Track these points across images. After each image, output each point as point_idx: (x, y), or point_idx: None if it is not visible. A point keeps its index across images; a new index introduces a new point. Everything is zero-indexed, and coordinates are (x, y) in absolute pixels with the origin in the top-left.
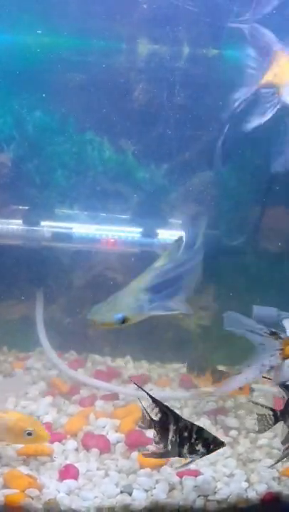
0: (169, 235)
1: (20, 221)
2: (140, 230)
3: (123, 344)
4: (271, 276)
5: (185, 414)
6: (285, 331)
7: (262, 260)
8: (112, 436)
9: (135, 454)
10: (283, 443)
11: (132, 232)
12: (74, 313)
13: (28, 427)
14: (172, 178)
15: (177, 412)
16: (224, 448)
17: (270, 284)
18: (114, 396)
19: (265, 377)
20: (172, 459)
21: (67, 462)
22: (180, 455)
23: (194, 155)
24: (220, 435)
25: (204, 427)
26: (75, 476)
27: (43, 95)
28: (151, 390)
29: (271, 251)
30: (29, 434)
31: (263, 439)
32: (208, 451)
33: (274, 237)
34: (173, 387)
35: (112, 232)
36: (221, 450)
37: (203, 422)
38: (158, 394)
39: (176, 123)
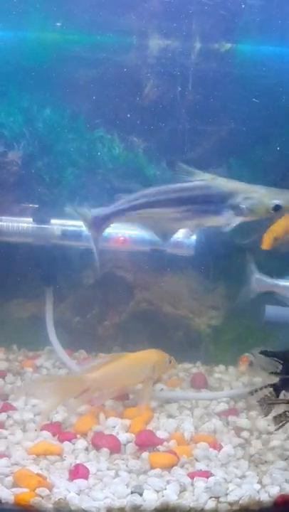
0: (179, 233)
1: (30, 219)
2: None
3: (133, 343)
4: (283, 275)
5: (196, 414)
6: None
7: (274, 258)
8: (122, 436)
9: (146, 455)
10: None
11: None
12: (83, 312)
13: None
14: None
15: (189, 412)
16: (235, 449)
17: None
18: (124, 396)
19: None
20: (182, 460)
21: (77, 462)
22: None
23: (206, 152)
24: (231, 437)
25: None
26: (85, 475)
27: (53, 92)
28: (161, 389)
29: (283, 249)
30: None
31: (276, 441)
32: None
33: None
34: (183, 387)
35: (123, 231)
36: (232, 451)
37: (215, 423)
38: (168, 394)
39: (188, 119)
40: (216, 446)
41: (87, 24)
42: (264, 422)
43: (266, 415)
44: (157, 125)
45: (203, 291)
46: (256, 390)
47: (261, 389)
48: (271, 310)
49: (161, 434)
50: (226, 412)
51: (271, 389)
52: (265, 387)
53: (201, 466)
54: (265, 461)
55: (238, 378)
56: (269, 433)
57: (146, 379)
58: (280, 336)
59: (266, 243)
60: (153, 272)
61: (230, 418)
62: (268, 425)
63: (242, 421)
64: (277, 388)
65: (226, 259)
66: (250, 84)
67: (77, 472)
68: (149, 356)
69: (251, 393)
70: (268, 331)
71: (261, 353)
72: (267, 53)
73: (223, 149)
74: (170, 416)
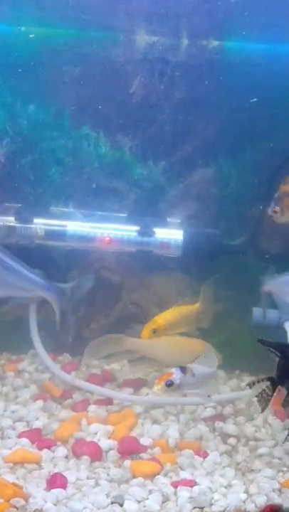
0: (166, 233)
1: (12, 218)
2: (137, 228)
3: None
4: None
5: (182, 420)
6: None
7: (262, 260)
8: (104, 443)
9: (128, 463)
10: (284, 406)
11: (129, 231)
12: (68, 315)
13: None
14: (171, 175)
15: (174, 418)
16: (222, 457)
17: None
18: (108, 401)
19: None
20: (166, 468)
21: (56, 470)
22: None
23: (194, 150)
24: (218, 443)
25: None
26: (64, 485)
27: (37, 88)
28: (147, 394)
29: (271, 250)
30: None
31: (263, 448)
32: None
33: (273, 236)
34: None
35: (108, 231)
36: (218, 459)
37: (201, 429)
38: (154, 399)
39: (175, 118)
40: (202, 453)
41: (73, 19)
42: (252, 428)
43: (262, 411)
44: (145, 123)
45: (191, 293)
46: (254, 383)
47: (259, 382)
48: (258, 312)
49: (145, 440)
50: (212, 417)
51: (269, 383)
52: (263, 380)
53: (185, 474)
54: (252, 470)
55: (226, 382)
56: (257, 440)
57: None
58: (270, 338)
59: (145, 334)
60: (140, 273)
61: (217, 424)
62: (256, 431)
63: (229, 427)
64: (274, 382)
65: (214, 260)
66: (239, 82)
67: (55, 481)
68: (197, 345)
69: (249, 386)
70: (257, 333)
71: (258, 341)
72: (255, 51)
73: (211, 148)
74: (155, 422)
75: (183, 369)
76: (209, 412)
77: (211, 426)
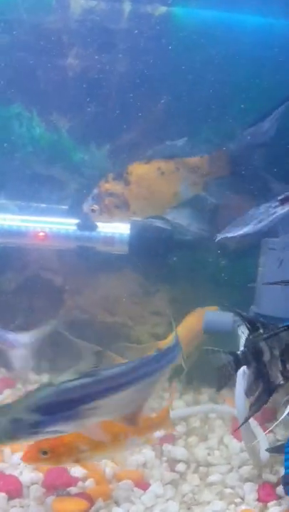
0: (111, 227)
1: None
2: (77, 221)
3: (64, 358)
4: (231, 275)
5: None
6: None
7: (220, 257)
8: (27, 476)
9: (51, 500)
10: (248, 395)
11: (67, 225)
12: (5, 322)
13: None
14: (117, 160)
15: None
16: (165, 487)
17: (229, 283)
18: None
19: None
20: (97, 505)
21: None
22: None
23: (141, 132)
24: (164, 471)
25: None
26: None
27: None
28: None
29: (229, 247)
30: None
31: (215, 475)
32: None
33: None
34: None
35: (43, 225)
36: (161, 490)
37: (146, 454)
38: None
39: (120, 94)
40: (143, 484)
41: None
42: (204, 451)
43: (218, 390)
44: (84, 101)
45: (143, 294)
46: (214, 352)
47: (220, 353)
48: (211, 316)
49: (77, 471)
50: (161, 439)
51: (232, 359)
52: (225, 353)
53: (119, 511)
54: (199, 503)
55: (181, 396)
56: (209, 465)
57: None
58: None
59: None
60: (85, 274)
61: (165, 447)
62: (209, 454)
63: (178, 450)
64: (237, 360)
65: (166, 256)
66: (189, 54)
67: None
68: None
69: (208, 353)
70: (218, 338)
71: (235, 312)
72: (207, 18)
73: (159, 129)
74: None
75: None
76: (158, 432)
77: (158, 449)
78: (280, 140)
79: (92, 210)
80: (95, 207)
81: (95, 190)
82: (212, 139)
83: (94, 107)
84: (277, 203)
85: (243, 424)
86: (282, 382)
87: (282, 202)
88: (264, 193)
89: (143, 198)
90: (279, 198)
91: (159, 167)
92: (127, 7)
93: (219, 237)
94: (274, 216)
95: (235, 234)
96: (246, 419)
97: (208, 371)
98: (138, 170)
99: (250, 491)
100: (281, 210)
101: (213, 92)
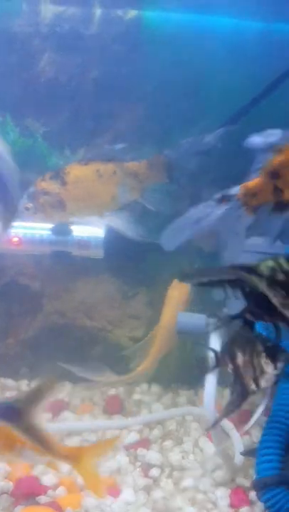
0: (86, 231)
1: None
2: (51, 226)
3: (43, 364)
4: None
5: None
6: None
7: (195, 260)
8: None
9: (19, 509)
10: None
11: (41, 229)
12: None
13: None
14: None
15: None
16: (138, 494)
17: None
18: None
19: None
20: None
21: None
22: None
23: (115, 136)
24: (137, 477)
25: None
26: None
27: None
28: (65, 419)
29: (204, 250)
30: None
31: (189, 479)
32: None
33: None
34: (95, 414)
35: (17, 230)
36: (132, 497)
37: (119, 460)
38: (71, 425)
39: (92, 99)
40: (115, 490)
41: None
42: (178, 455)
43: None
44: (58, 105)
45: (121, 298)
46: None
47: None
48: (183, 318)
49: (49, 479)
50: (136, 443)
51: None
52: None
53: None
54: (171, 509)
55: (159, 399)
56: (183, 469)
57: None
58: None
59: None
60: (63, 279)
61: (140, 451)
62: (183, 458)
63: (152, 455)
64: (217, 359)
65: (144, 259)
66: (160, 58)
67: None
68: None
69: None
70: (181, 340)
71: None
72: (179, 21)
73: (133, 133)
74: None
75: None
76: (133, 437)
77: (132, 454)
78: (223, 150)
79: (26, 208)
80: (29, 205)
81: (31, 189)
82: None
83: (68, 111)
84: (214, 203)
85: (213, 426)
86: (255, 389)
87: (219, 201)
88: (199, 199)
89: (80, 199)
90: (215, 197)
91: (97, 169)
92: (97, 11)
93: (164, 243)
94: (212, 216)
95: (179, 240)
96: (217, 422)
97: (187, 373)
98: (76, 170)
99: (222, 496)
100: (218, 210)
101: (185, 95)
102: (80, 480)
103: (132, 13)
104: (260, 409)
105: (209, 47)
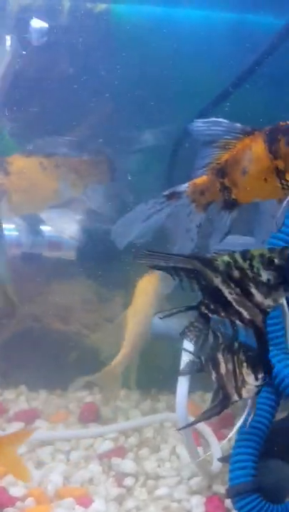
0: (57, 231)
1: None
2: (19, 226)
3: (17, 371)
4: None
5: (72, 459)
6: None
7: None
8: None
9: None
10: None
11: (9, 230)
12: None
13: None
14: None
15: (64, 456)
16: (109, 504)
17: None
18: None
19: None
20: None
21: None
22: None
23: (85, 131)
24: (110, 486)
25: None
26: None
27: None
28: (38, 428)
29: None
30: None
31: (163, 488)
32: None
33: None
34: (69, 423)
35: None
36: (103, 507)
37: (92, 470)
38: (42, 435)
39: (60, 93)
40: (87, 501)
41: None
42: (154, 463)
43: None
44: (25, 101)
45: (98, 301)
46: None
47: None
48: (159, 322)
49: (18, 490)
50: (110, 452)
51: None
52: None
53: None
54: None
55: (137, 405)
56: (158, 477)
57: None
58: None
59: None
60: (37, 281)
61: (114, 460)
62: (159, 466)
63: (127, 464)
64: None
65: (120, 261)
66: (131, 53)
67: None
68: None
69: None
70: (158, 344)
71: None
72: (149, 15)
73: (103, 128)
74: (40, 464)
75: None
76: (107, 445)
77: (106, 464)
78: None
79: None
80: None
81: None
82: (153, 137)
83: (36, 106)
84: (163, 199)
85: (183, 428)
86: (237, 399)
87: (169, 198)
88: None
89: (23, 190)
90: (164, 193)
91: (40, 162)
92: (66, 4)
93: (115, 240)
94: (162, 212)
95: (130, 236)
96: (189, 425)
97: (166, 378)
98: (19, 161)
99: (197, 504)
100: (168, 207)
101: (157, 88)
102: (49, 490)
103: (101, 6)
104: (241, 420)
105: (179, 40)
